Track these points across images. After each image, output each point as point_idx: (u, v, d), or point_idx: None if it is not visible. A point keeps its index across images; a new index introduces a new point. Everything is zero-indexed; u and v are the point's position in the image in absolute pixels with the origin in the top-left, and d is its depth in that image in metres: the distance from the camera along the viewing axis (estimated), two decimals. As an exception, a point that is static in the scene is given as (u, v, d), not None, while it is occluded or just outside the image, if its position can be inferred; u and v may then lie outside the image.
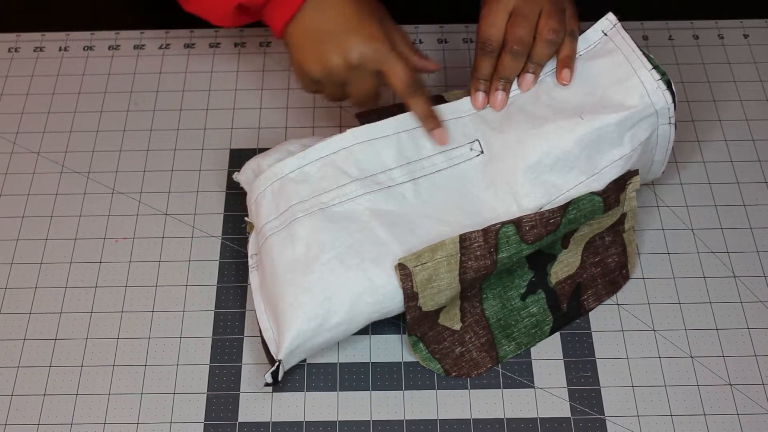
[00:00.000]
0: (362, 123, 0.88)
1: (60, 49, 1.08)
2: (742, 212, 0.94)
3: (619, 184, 0.86)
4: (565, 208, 0.83)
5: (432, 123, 0.86)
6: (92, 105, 1.03)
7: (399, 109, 0.89)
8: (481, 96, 0.88)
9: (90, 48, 1.08)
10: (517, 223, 0.82)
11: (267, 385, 0.82)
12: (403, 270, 0.80)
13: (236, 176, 0.91)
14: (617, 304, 0.89)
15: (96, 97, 1.04)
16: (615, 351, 0.86)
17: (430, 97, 0.87)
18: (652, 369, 0.85)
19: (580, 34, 0.88)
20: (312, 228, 0.82)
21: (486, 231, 0.82)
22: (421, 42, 1.08)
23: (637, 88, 0.85)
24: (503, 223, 0.82)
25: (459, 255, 0.81)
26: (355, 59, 0.85)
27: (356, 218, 0.83)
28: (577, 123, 0.84)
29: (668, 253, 0.92)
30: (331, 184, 0.84)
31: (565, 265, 0.88)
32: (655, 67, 0.85)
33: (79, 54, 1.07)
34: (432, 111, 0.86)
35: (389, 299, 0.81)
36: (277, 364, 0.80)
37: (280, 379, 0.81)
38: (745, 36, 1.08)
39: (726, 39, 1.08)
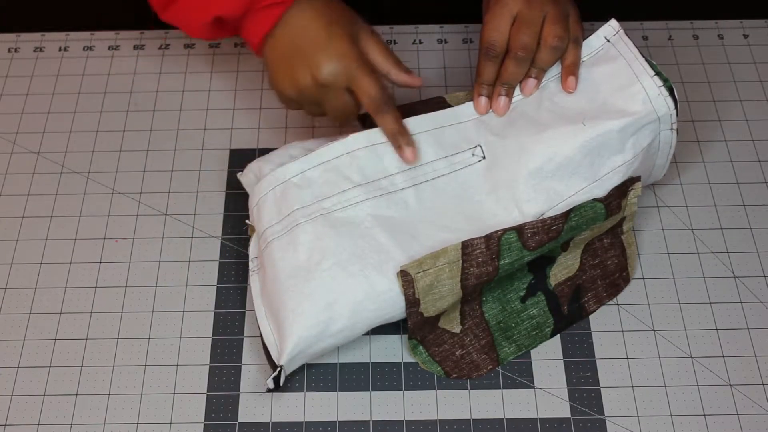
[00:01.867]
0: (364, 125, 0.88)
1: (60, 49, 1.08)
2: (742, 212, 0.94)
3: (621, 190, 0.86)
4: (567, 215, 0.83)
5: (401, 140, 0.84)
6: (92, 105, 1.03)
7: (400, 112, 0.89)
8: (483, 101, 0.88)
9: (90, 48, 1.08)
10: (519, 229, 0.82)
11: (269, 390, 0.82)
12: (405, 277, 0.80)
13: (240, 176, 0.90)
14: (617, 305, 0.89)
15: (96, 97, 1.03)
16: (615, 351, 0.86)
17: (399, 114, 0.85)
18: (652, 369, 0.85)
19: (583, 40, 0.88)
20: (314, 234, 0.82)
21: (488, 238, 0.82)
22: (420, 42, 1.08)
23: (640, 95, 0.85)
24: (505, 230, 0.82)
25: (461, 262, 0.81)
26: (324, 78, 0.83)
27: (358, 224, 0.83)
28: (579, 129, 0.84)
29: (668, 254, 0.92)
30: (333, 190, 0.84)
31: (564, 268, 0.88)
32: (658, 73, 0.85)
33: (79, 54, 1.07)
34: (402, 128, 0.84)
35: (391, 305, 0.81)
36: (278, 369, 0.80)
37: (281, 384, 0.81)
38: (745, 36, 1.08)
39: (726, 39, 1.08)
